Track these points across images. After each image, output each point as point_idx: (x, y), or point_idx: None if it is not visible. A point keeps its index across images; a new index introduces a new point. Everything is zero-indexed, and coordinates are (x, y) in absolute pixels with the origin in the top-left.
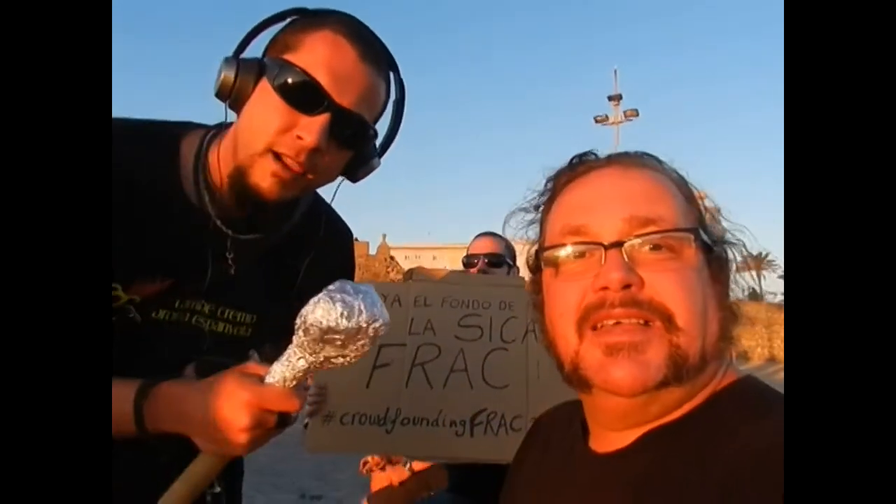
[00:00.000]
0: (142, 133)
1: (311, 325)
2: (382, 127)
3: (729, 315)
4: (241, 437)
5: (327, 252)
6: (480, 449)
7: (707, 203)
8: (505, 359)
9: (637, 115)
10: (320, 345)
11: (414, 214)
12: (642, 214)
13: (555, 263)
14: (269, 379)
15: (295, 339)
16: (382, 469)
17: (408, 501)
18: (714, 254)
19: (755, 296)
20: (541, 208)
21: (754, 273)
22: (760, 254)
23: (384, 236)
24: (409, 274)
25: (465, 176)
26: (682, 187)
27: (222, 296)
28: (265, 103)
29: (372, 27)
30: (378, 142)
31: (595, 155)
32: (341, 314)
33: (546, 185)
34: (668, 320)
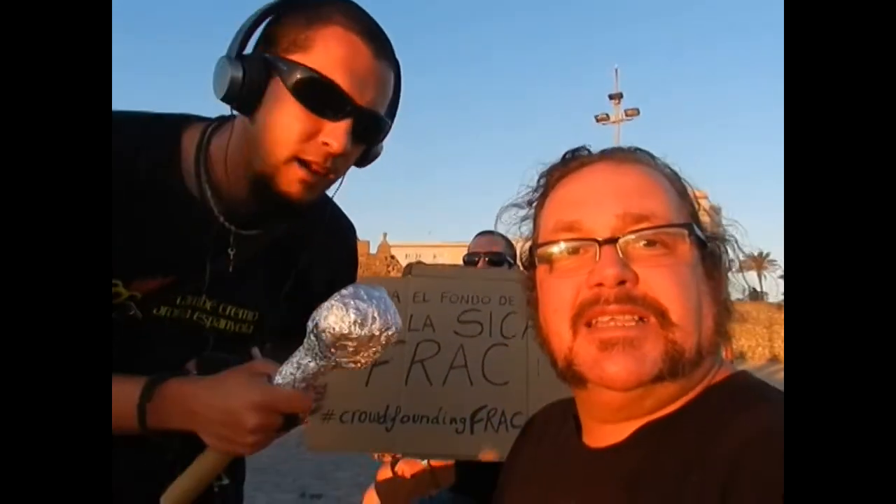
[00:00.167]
0: (142, 126)
1: (324, 330)
2: None
3: (723, 310)
4: (249, 438)
5: (330, 246)
6: (481, 446)
7: (706, 203)
8: (505, 355)
9: (638, 113)
10: (332, 350)
11: (414, 213)
12: (635, 210)
13: (549, 260)
14: (278, 380)
15: (305, 341)
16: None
17: (414, 494)
18: (708, 249)
19: (756, 296)
20: (534, 204)
21: (755, 273)
22: (761, 253)
23: (385, 235)
24: (409, 269)
25: (465, 175)
26: (675, 182)
27: (224, 292)
28: (283, 110)
29: None
30: None
31: (587, 150)
32: (354, 321)
33: (539, 180)
34: (663, 316)
